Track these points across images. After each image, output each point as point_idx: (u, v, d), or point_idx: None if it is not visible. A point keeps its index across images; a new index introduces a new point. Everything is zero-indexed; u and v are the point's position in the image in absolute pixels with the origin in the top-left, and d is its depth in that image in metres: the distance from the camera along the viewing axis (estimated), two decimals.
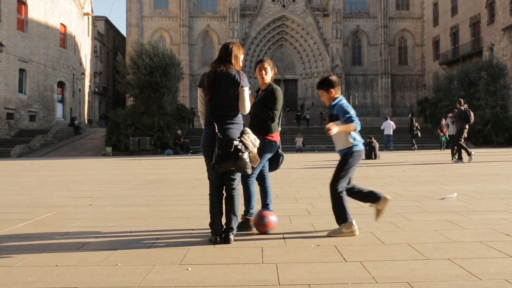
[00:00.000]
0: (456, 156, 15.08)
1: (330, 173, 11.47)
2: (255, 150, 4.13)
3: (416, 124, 28.52)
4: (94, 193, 8.17)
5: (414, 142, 28.09)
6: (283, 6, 52.25)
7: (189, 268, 3.35)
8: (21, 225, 5.24)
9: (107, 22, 60.73)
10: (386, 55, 52.54)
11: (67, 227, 5.07)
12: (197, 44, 52.48)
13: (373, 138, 18.51)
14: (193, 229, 4.77)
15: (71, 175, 12.75)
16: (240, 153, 3.94)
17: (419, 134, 27.88)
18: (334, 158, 19.35)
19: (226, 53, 4.15)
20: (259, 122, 4.64)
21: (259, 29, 52.24)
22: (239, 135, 4.07)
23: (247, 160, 3.99)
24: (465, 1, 44.55)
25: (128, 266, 3.46)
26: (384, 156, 19.75)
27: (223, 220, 4.21)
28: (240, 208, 4.30)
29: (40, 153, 28.96)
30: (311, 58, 53.33)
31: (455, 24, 46.66)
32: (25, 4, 33.92)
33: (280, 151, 4.87)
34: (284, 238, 4.28)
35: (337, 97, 4.34)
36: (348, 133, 4.22)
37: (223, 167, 3.96)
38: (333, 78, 4.41)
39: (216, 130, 3.97)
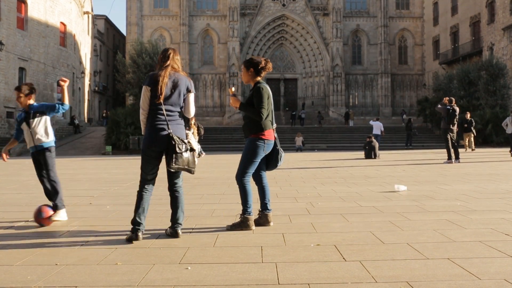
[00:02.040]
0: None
1: (330, 173, 11.38)
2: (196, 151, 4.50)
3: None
4: (94, 192, 8.17)
5: (411, 142, 28.87)
6: (283, 5, 52.15)
7: (189, 267, 3.35)
8: (21, 224, 5.24)
9: (107, 21, 60.67)
10: (386, 55, 52.46)
11: (67, 226, 5.07)
12: (197, 43, 52.37)
13: (373, 137, 18.45)
14: (192, 228, 4.78)
15: (70, 174, 12.75)
16: (192, 152, 4.29)
17: (416, 133, 28.85)
18: (334, 157, 19.38)
19: (168, 58, 4.31)
20: (251, 121, 4.64)
21: (259, 28, 52.14)
22: (185, 136, 4.38)
23: (195, 159, 4.35)
24: (465, 1, 44.49)
25: (128, 265, 3.46)
26: (384, 155, 19.74)
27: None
28: (238, 208, 4.31)
29: None
30: (311, 57, 53.24)
31: (455, 23, 46.61)
32: (25, 2, 33.86)
33: (278, 147, 4.85)
34: (283, 237, 4.28)
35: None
36: None
37: (179, 165, 4.20)
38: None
39: (170, 131, 4.19)
